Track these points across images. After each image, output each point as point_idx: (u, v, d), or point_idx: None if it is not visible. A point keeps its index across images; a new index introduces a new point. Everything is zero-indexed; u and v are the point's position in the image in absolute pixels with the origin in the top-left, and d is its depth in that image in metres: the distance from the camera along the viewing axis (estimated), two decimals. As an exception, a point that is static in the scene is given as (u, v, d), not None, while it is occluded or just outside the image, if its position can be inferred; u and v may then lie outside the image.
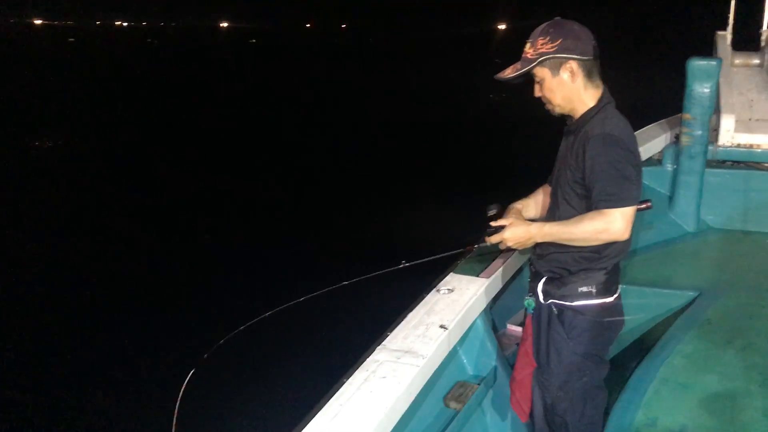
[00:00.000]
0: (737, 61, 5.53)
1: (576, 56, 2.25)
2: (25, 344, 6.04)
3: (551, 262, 2.36)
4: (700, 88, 4.21)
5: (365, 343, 2.54)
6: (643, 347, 3.13)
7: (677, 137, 4.58)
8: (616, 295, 2.37)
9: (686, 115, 4.31)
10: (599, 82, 2.32)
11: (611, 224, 2.14)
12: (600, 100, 2.30)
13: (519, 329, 3.27)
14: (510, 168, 10.58)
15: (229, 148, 15.43)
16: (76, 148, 15.22)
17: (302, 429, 2.03)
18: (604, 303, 2.33)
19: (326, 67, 38.34)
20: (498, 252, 3.21)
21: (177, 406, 2.28)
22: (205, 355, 2.41)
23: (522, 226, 2.35)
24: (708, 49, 5.75)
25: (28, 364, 5.72)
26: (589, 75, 2.29)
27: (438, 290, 2.90)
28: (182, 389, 2.30)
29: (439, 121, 18.26)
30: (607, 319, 2.35)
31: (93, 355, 5.78)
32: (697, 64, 4.20)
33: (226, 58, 46.93)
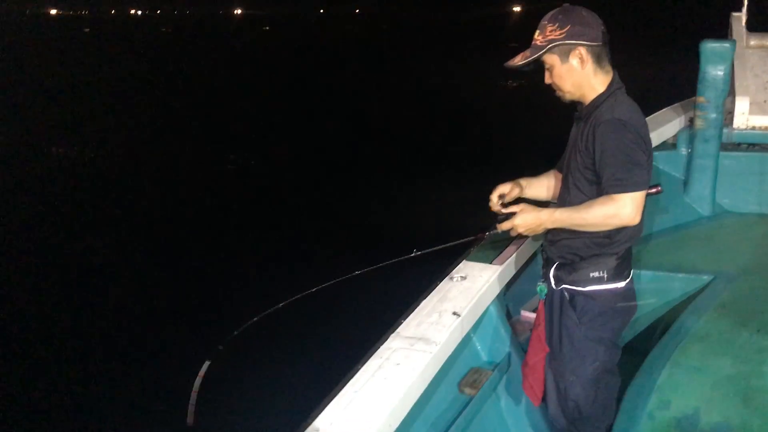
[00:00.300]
0: (752, 43, 5.47)
1: (585, 42, 2.26)
2: (33, 337, 6.15)
3: (562, 248, 2.38)
4: (713, 71, 4.18)
5: (378, 331, 2.57)
6: (657, 332, 3.14)
7: (691, 121, 4.56)
8: (628, 280, 2.39)
9: (700, 98, 4.28)
10: (609, 68, 2.33)
11: (621, 209, 2.15)
12: (610, 86, 2.31)
13: (533, 315, 3.28)
14: (521, 154, 10.55)
15: (240, 136, 15.49)
16: (94, 146, 15.31)
17: (317, 415, 2.07)
18: (616, 288, 2.35)
19: (339, 53, 38.23)
20: (511, 239, 3.22)
21: (194, 398, 2.31)
22: (221, 347, 2.44)
23: (532, 212, 2.36)
24: (723, 31, 5.70)
25: (40, 354, 5.82)
26: (598, 61, 2.29)
27: (451, 278, 2.92)
28: (199, 380, 2.33)
29: (451, 107, 18.19)
30: (620, 304, 2.37)
31: (108, 349, 5.87)
32: (710, 47, 4.16)
33: (240, 46, 46.84)
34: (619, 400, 2.56)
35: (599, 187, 2.24)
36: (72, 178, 12.19)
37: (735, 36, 5.35)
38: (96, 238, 8.72)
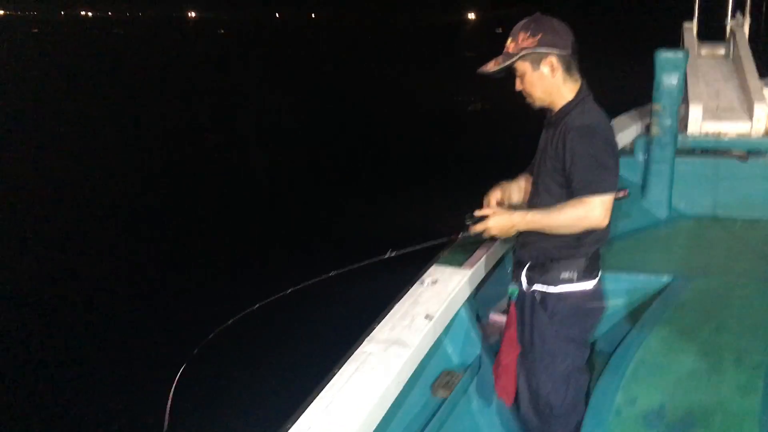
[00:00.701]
0: (703, 52, 5.69)
1: (556, 51, 2.32)
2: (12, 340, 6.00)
3: (534, 250, 2.45)
4: (668, 79, 4.33)
5: (353, 333, 2.60)
6: (620, 331, 3.23)
7: (647, 127, 4.71)
8: (596, 281, 2.47)
9: (656, 106, 4.43)
10: (577, 76, 2.40)
11: (591, 212, 2.23)
12: (578, 94, 2.39)
13: (502, 318, 3.35)
14: (490, 158, 10.68)
15: (205, 141, 15.34)
16: (43, 146, 14.94)
17: (297, 418, 2.08)
18: (586, 288, 2.43)
19: (297, 58, 38.09)
20: (480, 242, 3.29)
21: (169, 402, 2.30)
22: (195, 350, 2.42)
23: (505, 214, 2.42)
24: (675, 40, 5.90)
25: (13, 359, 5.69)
26: (567, 69, 2.37)
27: (422, 282, 2.96)
28: (174, 384, 2.32)
29: (416, 112, 18.32)
30: (589, 304, 2.45)
31: (81, 350, 5.74)
32: (664, 56, 4.31)
33: (196, 49, 46.17)
34: (587, 397, 2.63)
35: (568, 191, 2.31)
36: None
37: (687, 45, 5.55)
38: (62, 241, 8.56)
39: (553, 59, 2.33)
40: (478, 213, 2.48)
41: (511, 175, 2.81)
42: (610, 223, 2.32)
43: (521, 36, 2.34)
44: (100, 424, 4.74)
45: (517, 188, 2.77)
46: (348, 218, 9.08)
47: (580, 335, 2.49)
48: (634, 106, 5.37)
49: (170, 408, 2.29)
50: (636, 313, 3.38)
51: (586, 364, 2.58)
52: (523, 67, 2.36)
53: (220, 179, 11.89)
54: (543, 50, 2.32)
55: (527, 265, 2.47)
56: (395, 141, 14.74)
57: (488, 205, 2.63)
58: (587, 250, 2.40)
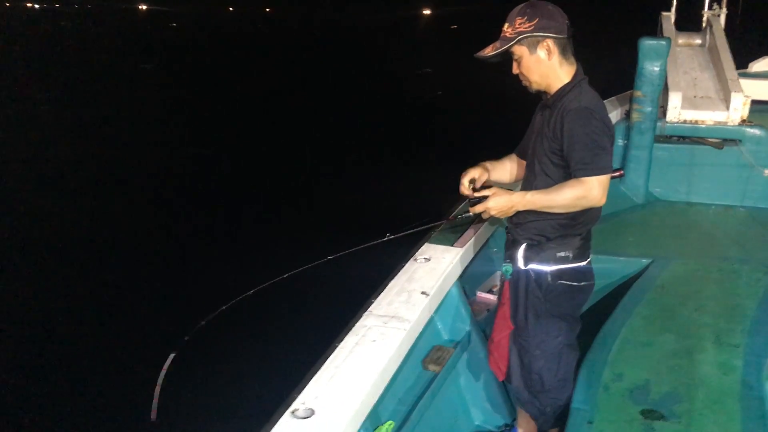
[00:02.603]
0: (681, 41, 5.80)
1: (552, 34, 2.37)
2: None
3: (530, 230, 2.51)
4: (650, 67, 4.41)
5: (348, 311, 2.64)
6: (603, 310, 3.33)
7: (627, 114, 4.80)
8: (589, 260, 2.55)
9: (637, 93, 4.52)
10: (573, 60, 2.46)
11: (590, 191, 2.29)
12: (575, 76, 2.44)
13: (488, 296, 3.45)
14: (479, 141, 10.75)
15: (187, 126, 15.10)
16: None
17: (301, 390, 2.12)
18: (579, 267, 2.51)
19: (254, 51, 37.30)
20: (470, 223, 3.35)
21: (158, 391, 2.27)
22: (186, 338, 2.41)
23: (504, 195, 2.46)
24: (653, 30, 6.01)
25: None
26: (563, 53, 2.42)
27: (415, 259, 3.02)
28: (163, 372, 2.29)
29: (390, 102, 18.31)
30: (582, 282, 2.53)
31: (67, 342, 5.69)
32: (648, 44, 4.40)
33: (148, 41, 44.35)
34: (575, 372, 2.73)
35: (565, 171, 2.38)
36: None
37: (665, 34, 5.66)
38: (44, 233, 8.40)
39: (550, 43, 2.38)
40: (477, 194, 2.52)
41: (486, 156, 2.86)
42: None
43: (518, 20, 2.38)
44: (86, 415, 4.70)
45: (502, 168, 2.82)
46: (344, 202, 9.06)
47: (573, 312, 2.58)
48: (611, 93, 5.47)
49: (159, 396, 2.26)
50: (617, 294, 3.49)
51: (576, 341, 2.67)
52: (520, 51, 2.41)
53: (193, 167, 11.77)
54: (539, 34, 2.36)
55: (524, 245, 2.53)
56: (369, 129, 14.75)
57: (463, 186, 2.66)
58: (582, 229, 2.48)
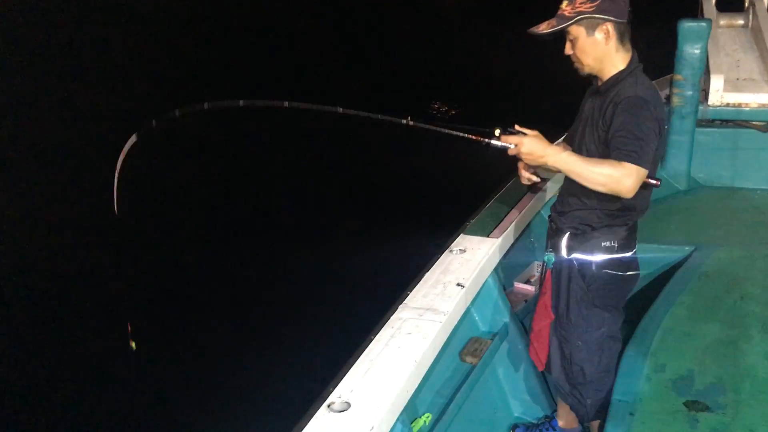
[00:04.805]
0: (722, 22, 5.62)
1: (612, 18, 2.29)
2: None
3: (574, 219, 2.45)
4: (691, 49, 4.29)
5: (383, 304, 2.62)
6: (645, 300, 3.26)
7: (668, 98, 4.68)
8: (634, 250, 2.49)
9: (677, 76, 4.40)
10: (629, 46, 2.38)
11: (626, 177, 2.15)
12: (630, 63, 2.36)
13: (526, 287, 3.41)
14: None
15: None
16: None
17: (338, 383, 2.12)
18: (624, 257, 2.44)
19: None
20: (505, 213, 3.31)
21: (117, 179, 2.21)
22: (153, 121, 2.32)
23: (541, 143, 2.29)
24: (693, 11, 5.84)
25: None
26: (621, 38, 2.34)
27: (451, 250, 2.99)
28: (122, 157, 2.27)
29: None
30: (628, 272, 2.47)
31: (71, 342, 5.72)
32: (688, 26, 4.27)
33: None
34: (617, 363, 2.67)
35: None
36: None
37: (706, 15, 5.50)
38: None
39: (609, 26, 2.29)
40: (519, 128, 2.35)
41: None
42: (649, 194, 2.32)
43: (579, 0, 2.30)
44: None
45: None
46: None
47: (616, 303, 2.52)
48: (652, 78, 5.33)
49: (117, 188, 2.25)
50: (659, 283, 3.40)
51: (619, 332, 2.61)
52: (577, 31, 2.32)
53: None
54: (600, 16, 2.28)
55: (567, 234, 2.47)
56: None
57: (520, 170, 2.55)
58: (628, 220, 2.42)
